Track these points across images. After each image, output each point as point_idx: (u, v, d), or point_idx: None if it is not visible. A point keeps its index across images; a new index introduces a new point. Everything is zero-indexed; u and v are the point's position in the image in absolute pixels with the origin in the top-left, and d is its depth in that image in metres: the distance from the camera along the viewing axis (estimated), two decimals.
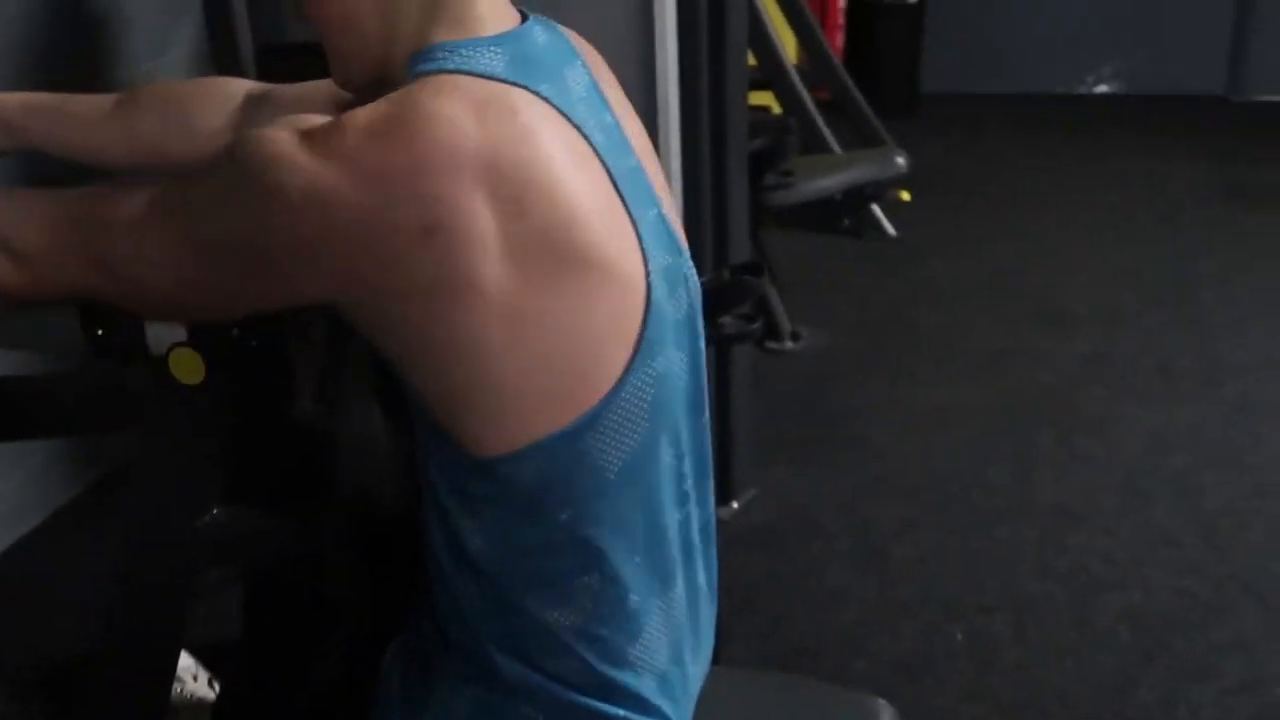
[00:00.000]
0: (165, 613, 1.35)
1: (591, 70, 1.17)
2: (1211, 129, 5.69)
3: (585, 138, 1.07)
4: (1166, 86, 5.97)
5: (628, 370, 1.09)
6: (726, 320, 1.96)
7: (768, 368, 3.44)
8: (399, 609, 1.24)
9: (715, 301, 1.63)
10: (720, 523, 2.75)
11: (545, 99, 1.05)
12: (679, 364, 1.18)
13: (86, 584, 1.44)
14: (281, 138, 0.98)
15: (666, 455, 1.17)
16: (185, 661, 1.49)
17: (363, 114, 0.99)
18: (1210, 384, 3.33)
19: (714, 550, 1.31)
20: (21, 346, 1.40)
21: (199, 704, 1.49)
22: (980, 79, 6.05)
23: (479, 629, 1.15)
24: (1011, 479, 2.92)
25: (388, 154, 0.97)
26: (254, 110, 1.38)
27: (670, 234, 1.18)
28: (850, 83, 4.47)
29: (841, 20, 5.76)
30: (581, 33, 1.23)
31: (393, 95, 1.02)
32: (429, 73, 1.04)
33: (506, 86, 1.04)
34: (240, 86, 1.44)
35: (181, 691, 1.48)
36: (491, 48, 1.06)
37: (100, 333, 1.27)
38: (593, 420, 1.07)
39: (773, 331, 3.58)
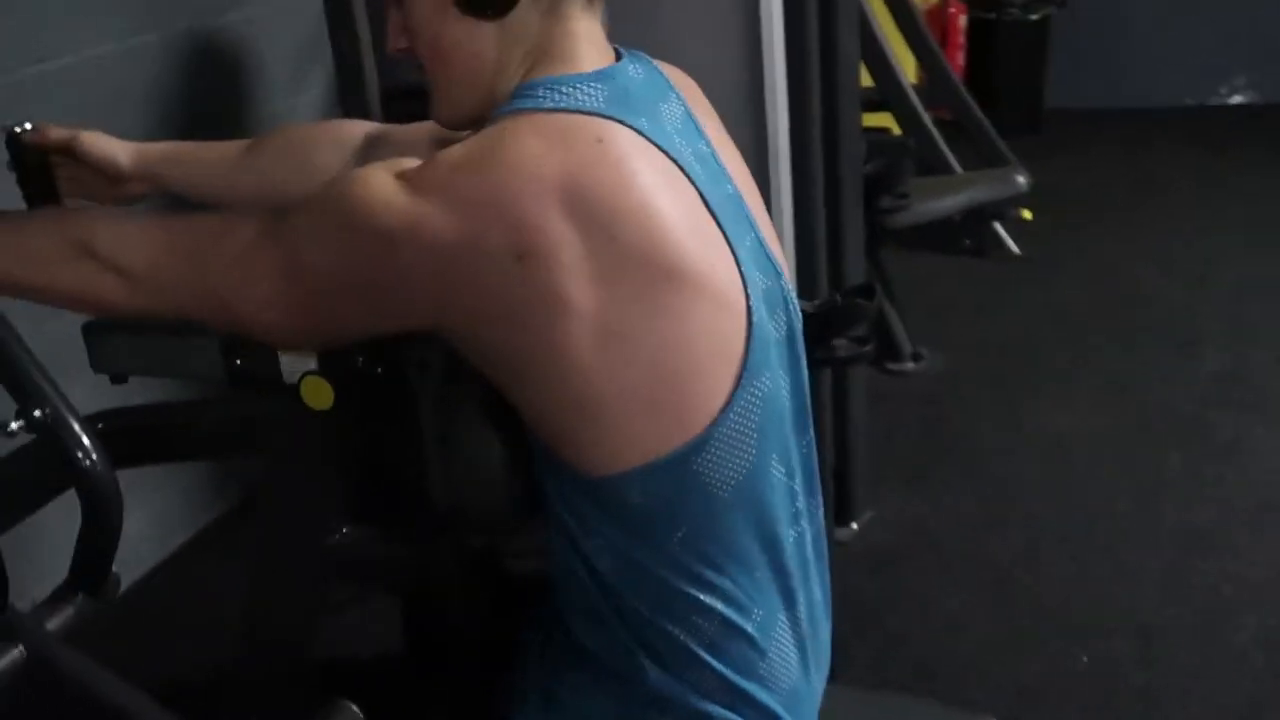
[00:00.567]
0: (297, 630, 1.42)
1: (688, 102, 1.22)
2: None
3: (679, 166, 1.12)
4: None
5: (734, 392, 1.12)
6: (840, 343, 1.97)
7: (888, 389, 3.43)
8: (523, 619, 1.28)
9: (827, 324, 1.65)
10: (839, 544, 2.79)
11: (639, 131, 1.10)
12: (783, 385, 1.21)
13: (225, 602, 1.52)
14: (378, 175, 1.05)
15: (777, 475, 1.20)
16: None
17: (455, 150, 1.06)
18: None
19: (826, 565, 1.34)
20: (167, 375, 1.50)
21: None
22: (1107, 93, 5.92)
23: (609, 637, 1.19)
24: (1137, 503, 2.86)
25: (477, 185, 1.03)
26: (371, 150, 1.46)
27: (769, 258, 1.22)
28: (971, 101, 4.43)
29: (962, 39, 5.71)
30: (688, 56, 1.28)
31: (485, 131, 1.08)
32: (524, 110, 1.10)
33: (598, 119, 1.09)
34: (359, 128, 1.52)
35: None
36: (591, 84, 1.12)
37: (239, 362, 1.36)
38: (702, 443, 1.11)
39: (893, 352, 3.57)
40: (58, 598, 1.66)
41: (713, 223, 1.12)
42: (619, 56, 1.20)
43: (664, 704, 1.18)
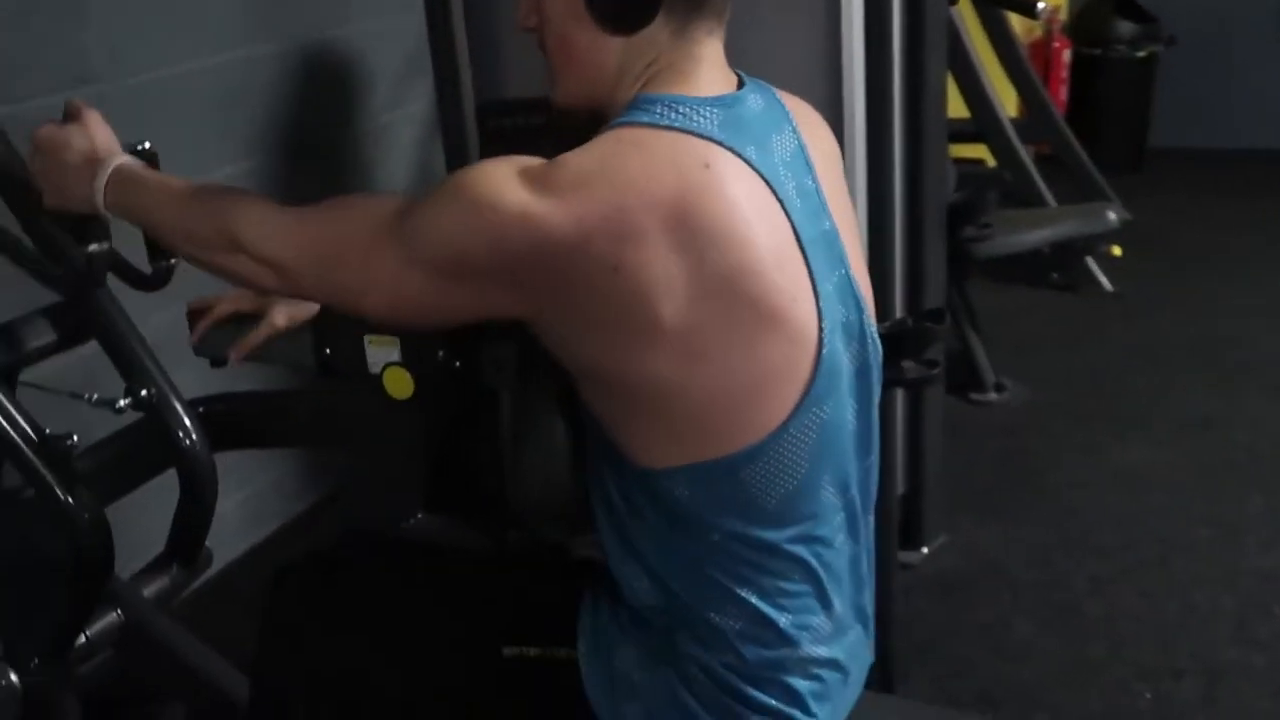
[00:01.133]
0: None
1: (803, 136, 1.26)
2: None
3: (779, 200, 1.17)
4: None
5: (793, 414, 1.17)
6: (909, 365, 2.01)
7: (970, 418, 3.44)
8: (579, 595, 1.35)
9: (896, 346, 1.70)
10: (909, 567, 2.81)
11: (746, 159, 1.16)
12: (849, 411, 1.26)
13: None
14: (500, 169, 1.12)
15: (828, 493, 1.24)
16: None
17: (574, 158, 1.12)
18: None
19: (873, 581, 1.38)
20: (263, 361, 1.60)
21: None
22: (1212, 134, 5.84)
23: (649, 614, 1.26)
24: (1214, 544, 2.84)
25: (590, 196, 1.09)
26: None
27: (854, 293, 1.26)
28: (1071, 137, 4.42)
29: (1066, 74, 5.67)
30: (767, 79, 1.32)
31: (604, 139, 1.14)
32: (641, 123, 1.15)
33: (709, 143, 1.14)
34: None
35: None
36: (708, 108, 1.17)
37: (328, 351, 1.45)
38: (752, 455, 1.16)
39: (976, 382, 3.57)
40: (155, 567, 1.77)
41: (800, 258, 1.18)
42: (742, 83, 1.26)
43: (700, 679, 1.24)
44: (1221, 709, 2.30)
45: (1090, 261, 4.27)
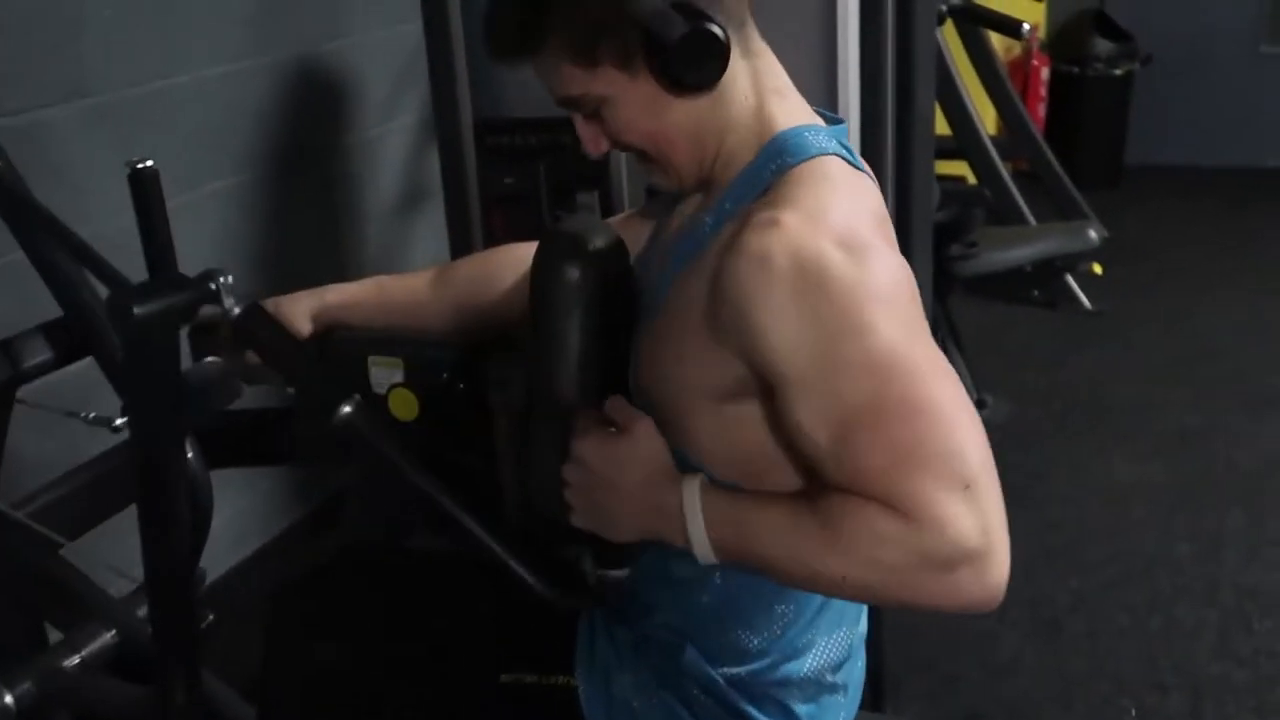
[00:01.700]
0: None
1: None
2: None
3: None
4: None
5: None
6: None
7: None
8: (577, 622, 1.36)
9: None
10: None
11: (871, 180, 1.22)
12: None
13: None
14: (839, 261, 1.06)
15: None
16: None
17: (814, 205, 1.11)
18: None
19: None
20: (264, 382, 1.59)
21: None
22: (1189, 152, 5.91)
23: (661, 634, 1.28)
24: (1197, 559, 2.87)
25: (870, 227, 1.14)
26: None
27: None
28: (1049, 154, 4.46)
29: (1044, 91, 5.73)
30: None
31: (805, 183, 1.13)
32: (805, 159, 1.16)
33: (856, 171, 1.19)
34: (528, 248, 1.58)
35: None
36: (836, 136, 1.21)
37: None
38: None
39: None
40: None
41: None
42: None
43: (701, 699, 1.26)
44: None
45: (1069, 279, 4.31)
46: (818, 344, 1.05)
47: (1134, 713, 2.38)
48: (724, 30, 1.13)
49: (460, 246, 2.29)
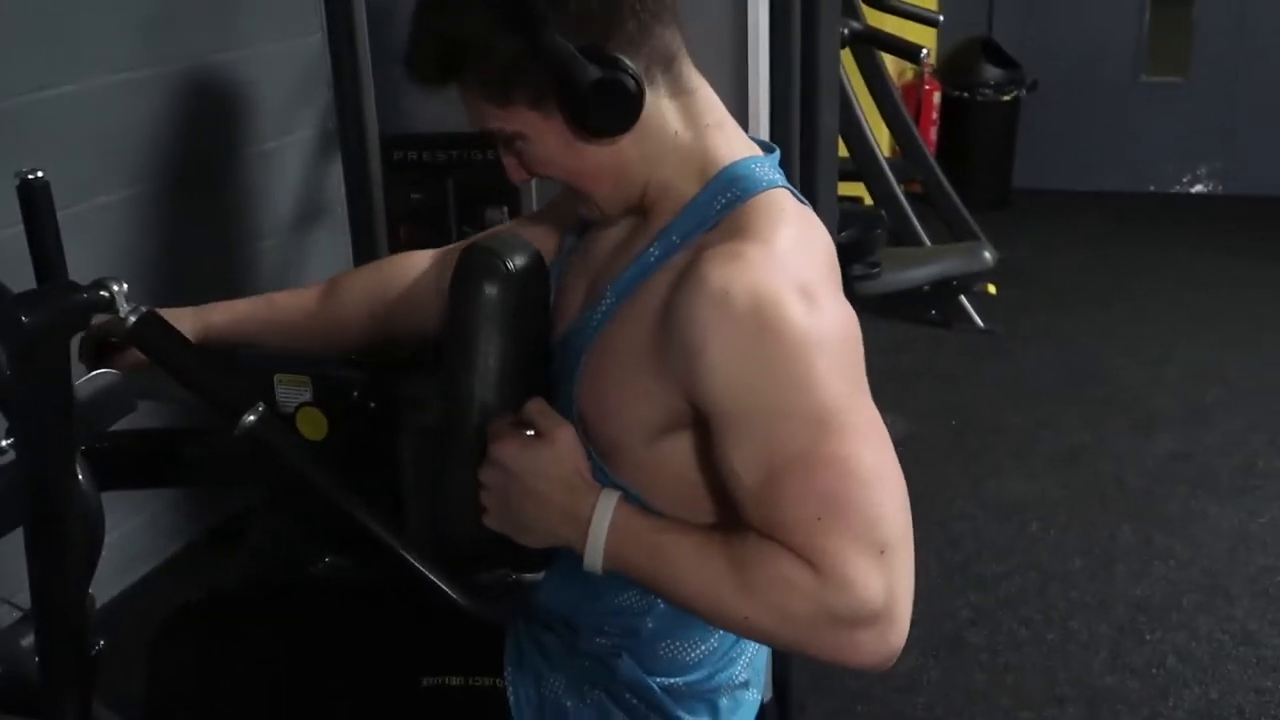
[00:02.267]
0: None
1: None
2: None
3: None
4: (1260, 188, 5.96)
5: None
6: None
7: None
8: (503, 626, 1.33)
9: None
10: None
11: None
12: None
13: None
14: (791, 303, 1.07)
15: None
16: None
17: (772, 247, 1.11)
18: None
19: None
20: (161, 399, 1.54)
21: None
22: (1073, 176, 6.09)
23: (592, 647, 1.27)
24: (1089, 573, 2.94)
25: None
26: (446, 270, 1.47)
27: None
28: (941, 176, 4.56)
29: (936, 116, 5.85)
30: None
31: (760, 220, 1.13)
32: (756, 192, 1.16)
33: (800, 203, 1.20)
34: (424, 257, 1.54)
35: None
36: (774, 167, 1.21)
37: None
38: None
39: None
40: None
41: None
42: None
43: (634, 703, 1.26)
44: None
45: (963, 298, 4.39)
46: (763, 389, 1.05)
47: None
48: (636, 78, 1.13)
49: (365, 262, 2.24)
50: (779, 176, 1.19)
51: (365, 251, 2.26)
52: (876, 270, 3.22)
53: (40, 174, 1.41)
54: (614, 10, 1.12)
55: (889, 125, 4.60)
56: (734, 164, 1.18)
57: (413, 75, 1.19)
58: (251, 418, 1.14)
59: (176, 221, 2.81)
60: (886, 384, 3.69)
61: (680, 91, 1.19)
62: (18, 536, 1.67)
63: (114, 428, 1.77)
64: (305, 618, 1.39)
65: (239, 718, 1.38)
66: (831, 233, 2.54)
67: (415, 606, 1.34)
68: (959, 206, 4.52)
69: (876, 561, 1.02)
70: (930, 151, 4.88)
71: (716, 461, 1.10)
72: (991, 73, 5.83)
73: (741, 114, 1.97)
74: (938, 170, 4.57)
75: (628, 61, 1.12)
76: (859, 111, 4.14)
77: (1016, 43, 5.95)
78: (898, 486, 1.06)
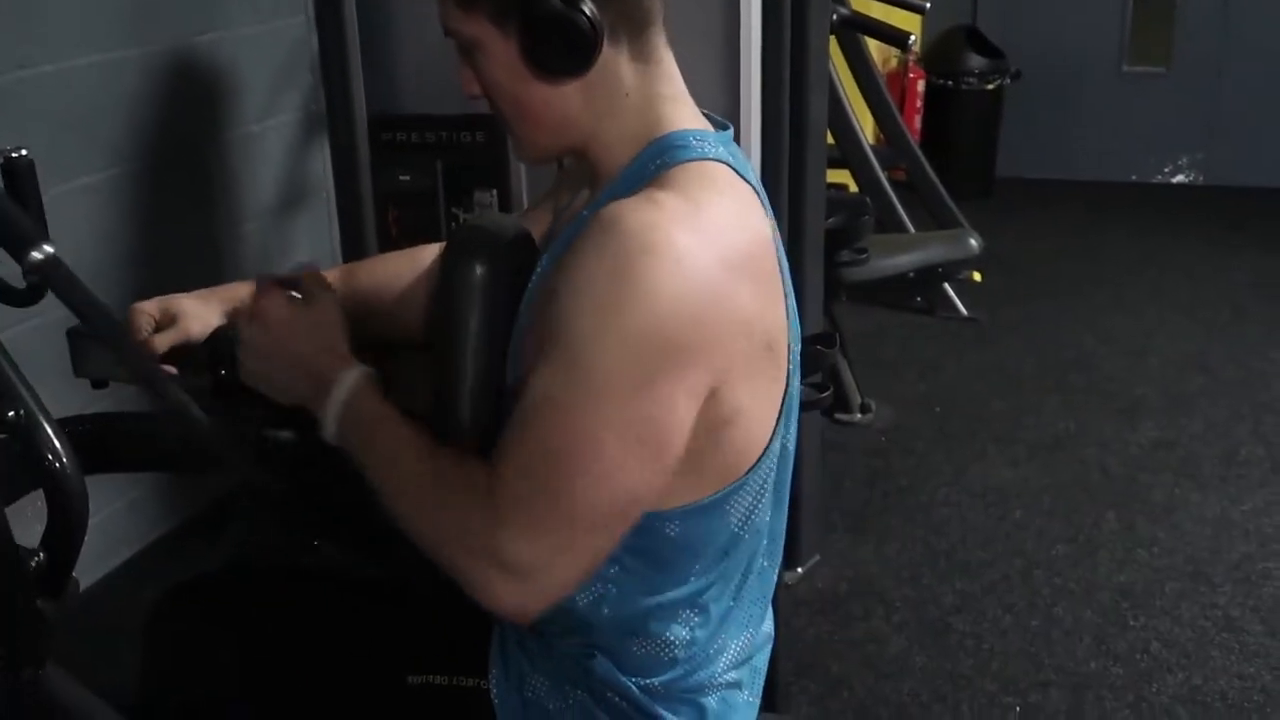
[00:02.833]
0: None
1: None
2: None
3: (774, 229, 1.21)
4: (1241, 178, 5.99)
5: (769, 443, 1.19)
6: (801, 388, 2.04)
7: (836, 438, 3.50)
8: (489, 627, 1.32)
9: None
10: (785, 586, 2.82)
11: (756, 192, 1.19)
12: (795, 432, 1.28)
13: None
14: (668, 258, 1.06)
15: (766, 515, 1.26)
16: None
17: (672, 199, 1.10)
18: (1276, 472, 3.33)
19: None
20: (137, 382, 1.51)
21: None
22: (1055, 165, 6.11)
23: (569, 647, 1.25)
24: (1073, 560, 2.95)
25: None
26: None
27: (797, 318, 1.29)
28: (925, 164, 4.56)
29: (920, 104, 5.86)
30: None
31: (684, 180, 1.12)
32: (690, 159, 1.15)
33: (741, 181, 1.17)
34: (429, 253, 1.53)
35: None
36: (723, 144, 1.19)
37: (223, 372, 1.39)
38: (739, 487, 1.18)
39: (843, 403, 3.64)
40: None
41: (782, 284, 1.21)
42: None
43: (616, 701, 1.24)
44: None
45: (948, 286, 4.40)
46: (583, 316, 1.06)
47: (1018, 710, 2.42)
48: (596, 25, 1.11)
49: (353, 245, 2.23)
50: (724, 151, 1.18)
51: (353, 233, 2.24)
52: (865, 256, 3.21)
53: (25, 152, 1.40)
54: None
55: (873, 113, 4.59)
56: (675, 132, 1.17)
57: None
58: (38, 256, 1.05)
59: (160, 205, 2.78)
60: (870, 371, 3.76)
61: (643, 58, 1.18)
62: None
63: (98, 409, 1.77)
64: (292, 605, 1.37)
65: (226, 702, 1.36)
66: (820, 216, 2.55)
67: (404, 603, 1.33)
68: (943, 194, 4.52)
69: (556, 526, 1.06)
70: (914, 139, 4.88)
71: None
72: (975, 61, 5.83)
73: (733, 98, 1.96)
74: (922, 158, 4.57)
75: (593, 7, 1.11)
76: (844, 98, 4.13)
77: (1000, 32, 5.96)
78: (625, 491, 1.07)
